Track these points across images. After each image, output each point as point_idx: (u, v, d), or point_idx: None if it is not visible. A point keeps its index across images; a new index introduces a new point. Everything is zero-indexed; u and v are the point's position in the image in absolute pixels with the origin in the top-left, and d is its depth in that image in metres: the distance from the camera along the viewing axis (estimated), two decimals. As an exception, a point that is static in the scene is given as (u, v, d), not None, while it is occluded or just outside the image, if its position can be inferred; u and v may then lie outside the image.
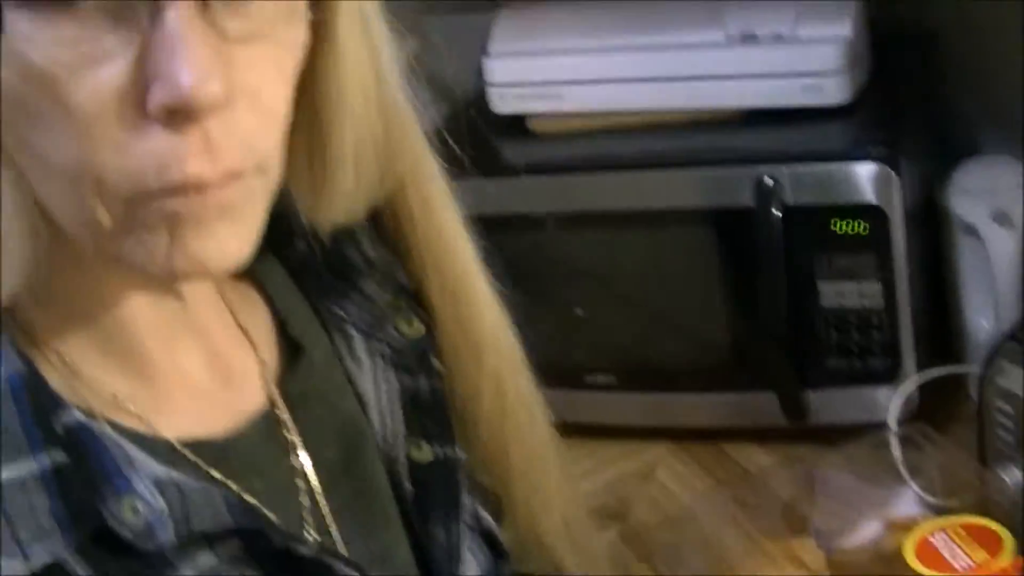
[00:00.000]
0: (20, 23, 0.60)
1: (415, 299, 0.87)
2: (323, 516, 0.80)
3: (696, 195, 1.46)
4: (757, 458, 1.52)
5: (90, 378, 0.72)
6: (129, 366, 0.74)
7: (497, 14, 1.64)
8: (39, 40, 0.60)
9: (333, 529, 0.80)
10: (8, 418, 0.66)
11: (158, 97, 0.61)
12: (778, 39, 1.47)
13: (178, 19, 0.60)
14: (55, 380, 0.70)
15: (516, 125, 1.61)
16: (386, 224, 0.85)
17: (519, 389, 0.90)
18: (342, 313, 0.85)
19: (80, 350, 0.72)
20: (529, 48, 1.59)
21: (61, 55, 0.60)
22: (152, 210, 0.63)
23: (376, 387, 0.85)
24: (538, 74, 1.57)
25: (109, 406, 0.72)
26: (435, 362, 0.86)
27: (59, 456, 0.66)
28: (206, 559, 0.70)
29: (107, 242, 0.65)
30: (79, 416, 0.69)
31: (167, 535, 0.68)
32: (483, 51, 1.61)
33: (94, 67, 0.61)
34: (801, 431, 1.50)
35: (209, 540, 0.70)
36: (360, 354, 0.85)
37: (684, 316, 1.52)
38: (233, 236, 0.66)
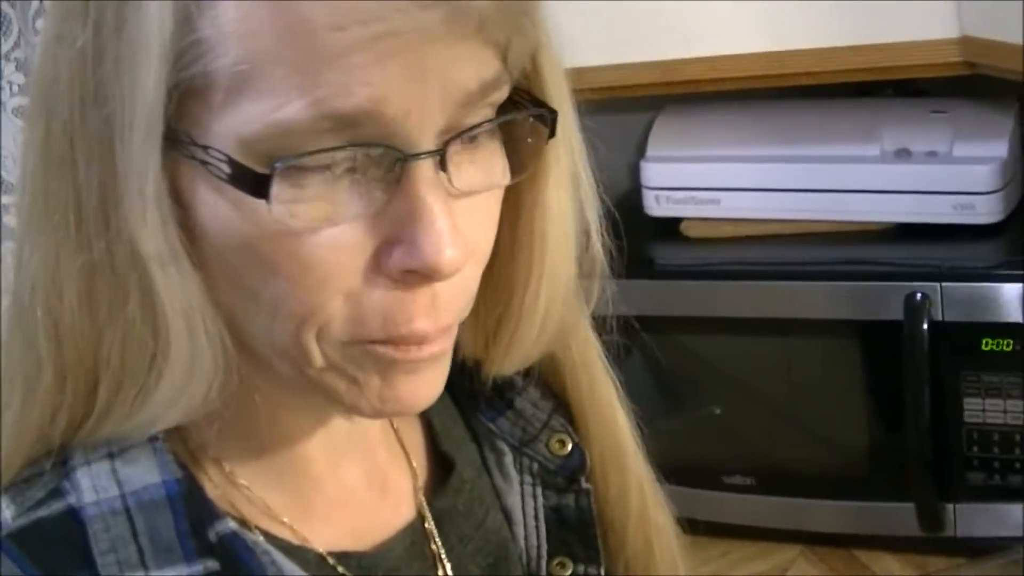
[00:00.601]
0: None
1: (568, 418, 0.83)
2: None
3: (845, 307, 1.43)
4: (891, 567, 1.48)
5: (246, 488, 0.69)
6: (289, 480, 0.71)
7: (655, 117, 1.61)
8: (281, 196, 0.57)
9: None
10: (164, 524, 0.63)
11: (402, 262, 0.59)
12: (932, 156, 1.44)
13: (422, 183, 0.58)
14: (211, 489, 0.68)
15: (668, 228, 1.58)
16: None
17: (655, 491, 0.86)
18: (494, 428, 0.82)
19: (240, 462, 0.70)
20: (686, 153, 1.56)
21: (303, 212, 0.58)
22: (368, 354, 0.62)
23: (523, 503, 0.81)
24: (694, 179, 1.54)
25: (262, 516, 0.69)
26: (584, 482, 0.82)
27: (212, 564, 0.64)
28: None
29: (314, 377, 0.63)
30: (233, 526, 0.66)
31: None
32: (640, 153, 1.58)
33: (334, 224, 0.58)
34: (936, 543, 1.45)
35: None
36: (509, 470, 0.81)
37: (825, 423, 1.48)
38: (437, 378, 0.65)
